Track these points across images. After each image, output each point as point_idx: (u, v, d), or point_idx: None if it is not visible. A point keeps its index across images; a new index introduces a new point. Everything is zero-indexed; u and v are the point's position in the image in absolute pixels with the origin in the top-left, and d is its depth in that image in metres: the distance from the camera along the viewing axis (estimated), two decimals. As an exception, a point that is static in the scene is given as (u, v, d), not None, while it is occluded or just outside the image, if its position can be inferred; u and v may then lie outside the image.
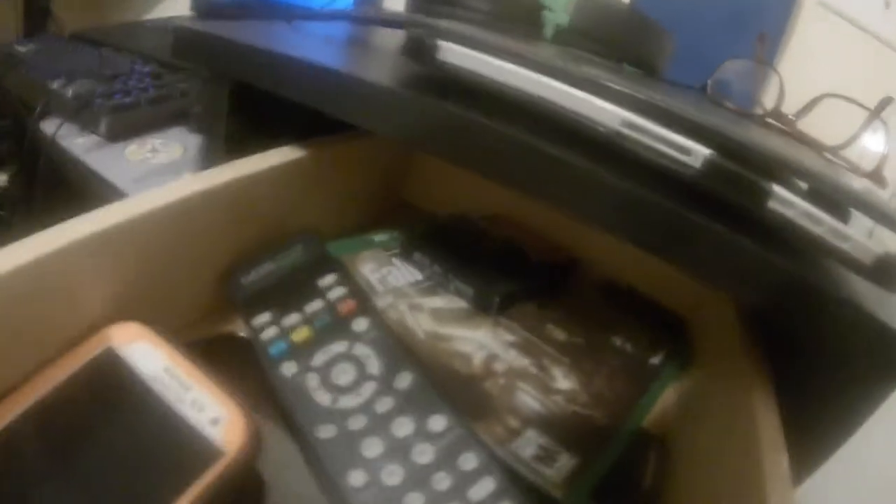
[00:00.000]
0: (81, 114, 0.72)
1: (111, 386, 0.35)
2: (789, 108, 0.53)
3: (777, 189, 0.33)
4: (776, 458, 0.33)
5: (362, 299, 0.42)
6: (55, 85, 0.73)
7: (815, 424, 0.38)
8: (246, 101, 0.49)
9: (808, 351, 0.40)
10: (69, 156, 0.69)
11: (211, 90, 0.50)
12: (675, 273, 0.58)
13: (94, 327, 0.36)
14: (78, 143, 0.70)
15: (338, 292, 0.42)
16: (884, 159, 0.49)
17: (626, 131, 0.34)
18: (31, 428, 0.33)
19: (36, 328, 0.34)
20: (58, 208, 0.36)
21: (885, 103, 0.49)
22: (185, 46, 0.48)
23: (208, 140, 0.51)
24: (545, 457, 0.40)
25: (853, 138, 0.49)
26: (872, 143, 0.50)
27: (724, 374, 0.45)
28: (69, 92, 0.72)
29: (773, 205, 0.33)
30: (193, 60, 0.49)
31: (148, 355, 0.36)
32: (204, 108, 0.51)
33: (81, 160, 0.68)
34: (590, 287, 0.62)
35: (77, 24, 1.02)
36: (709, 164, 0.33)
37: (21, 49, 0.85)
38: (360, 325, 0.41)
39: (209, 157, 0.51)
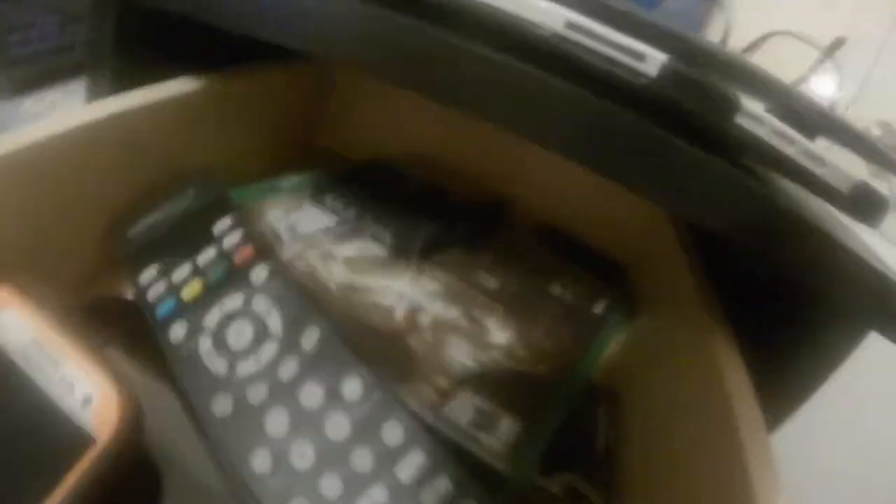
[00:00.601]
0: (-25, 70, 0.65)
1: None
2: (736, 46, 0.50)
3: (745, 102, 0.28)
4: (746, 401, 0.29)
5: (262, 245, 0.36)
6: (-54, 44, 0.66)
7: (784, 370, 0.35)
8: (135, 25, 0.42)
9: (771, 290, 0.37)
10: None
11: (95, 15, 0.43)
12: (614, 215, 0.55)
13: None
14: (-30, 104, 0.63)
15: (233, 238, 0.36)
16: (836, 102, 0.47)
17: (570, 34, 0.29)
18: None
19: None
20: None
21: (837, 43, 0.46)
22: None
23: (94, 75, 0.44)
24: (484, 422, 0.34)
25: (804, 78, 0.47)
26: (823, 86, 0.47)
27: (676, 321, 0.41)
28: (-39, 49, 0.65)
29: (740, 120, 0.29)
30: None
31: (16, 325, 0.30)
32: (89, 39, 0.44)
33: (-30, 121, 0.61)
34: (521, 231, 0.58)
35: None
36: (667, 72, 0.28)
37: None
38: (259, 274, 0.34)
39: (95, 95, 0.44)
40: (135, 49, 0.43)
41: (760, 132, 0.29)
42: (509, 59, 0.30)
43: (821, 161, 0.29)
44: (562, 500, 0.36)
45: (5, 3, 0.81)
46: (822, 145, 0.31)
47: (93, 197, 0.38)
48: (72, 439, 0.28)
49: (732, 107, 0.28)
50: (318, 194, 0.50)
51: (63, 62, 0.70)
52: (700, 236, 0.42)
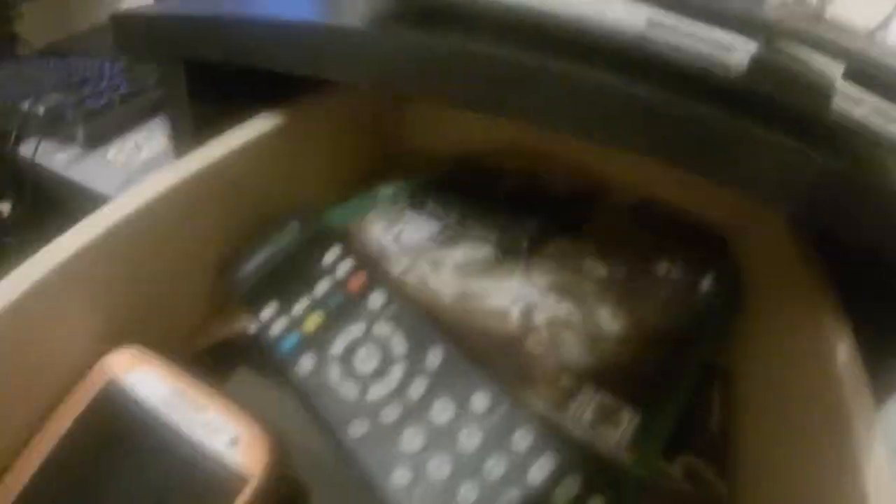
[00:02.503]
0: (57, 128, 0.68)
1: (120, 422, 0.32)
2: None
3: (843, 84, 0.28)
4: (855, 382, 0.29)
5: (373, 270, 0.38)
6: (25, 105, 0.69)
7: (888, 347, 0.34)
8: (205, 78, 0.44)
9: (880, 269, 0.36)
10: (52, 174, 0.65)
11: (166, 74, 0.44)
12: (710, 186, 0.54)
13: (91, 361, 0.33)
14: (58, 159, 0.66)
15: (345, 267, 0.38)
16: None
17: (653, 33, 0.29)
18: (48, 485, 0.30)
19: (24, 377, 0.31)
20: (53, 230, 0.32)
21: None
22: (125, 35, 0.43)
23: (175, 129, 0.46)
24: (606, 417, 0.35)
25: (889, 19, 0.44)
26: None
27: (782, 294, 0.41)
28: (40, 109, 0.68)
29: (838, 103, 0.28)
30: (137, 48, 0.44)
31: (151, 381, 0.33)
32: (165, 96, 0.46)
33: (64, 176, 0.64)
34: (619, 210, 0.57)
35: (46, 41, 0.97)
36: (758, 62, 0.28)
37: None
38: (376, 299, 0.36)
39: (180, 147, 0.46)
40: (210, 97, 0.45)
41: (859, 113, 0.28)
42: (590, 72, 0.30)
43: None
44: (681, 482, 0.36)
45: (72, 58, 0.84)
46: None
47: (199, 246, 0.40)
48: (226, 480, 0.30)
49: (828, 92, 0.28)
50: (416, 202, 0.51)
51: (136, 105, 0.73)
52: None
